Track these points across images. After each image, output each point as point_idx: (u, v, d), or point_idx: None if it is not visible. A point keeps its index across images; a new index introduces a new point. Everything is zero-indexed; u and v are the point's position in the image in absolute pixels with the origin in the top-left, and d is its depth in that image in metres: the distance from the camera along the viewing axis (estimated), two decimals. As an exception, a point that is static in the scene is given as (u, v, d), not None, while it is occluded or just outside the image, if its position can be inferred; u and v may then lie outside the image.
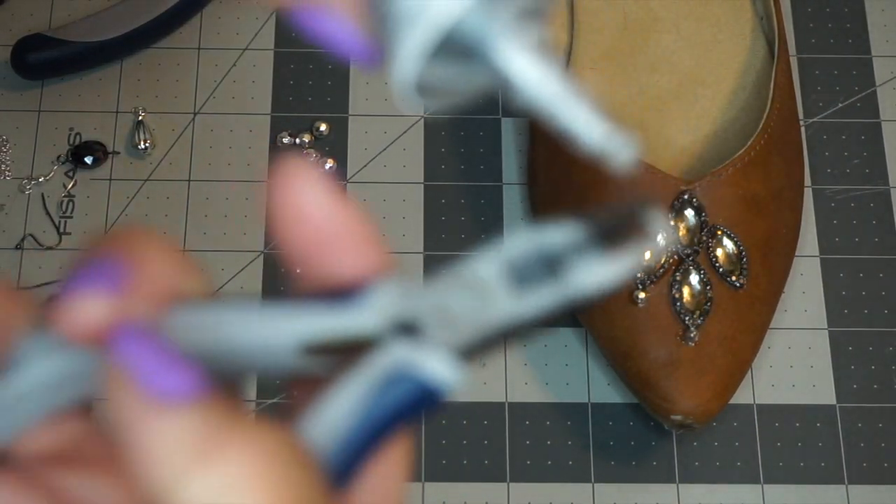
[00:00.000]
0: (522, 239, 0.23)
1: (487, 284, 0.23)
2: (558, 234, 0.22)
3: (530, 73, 0.22)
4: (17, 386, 0.26)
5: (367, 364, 0.24)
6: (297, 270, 0.25)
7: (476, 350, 0.24)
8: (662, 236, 0.23)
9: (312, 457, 0.24)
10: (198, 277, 0.25)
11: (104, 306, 0.23)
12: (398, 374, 0.24)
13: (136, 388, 0.22)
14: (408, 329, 0.24)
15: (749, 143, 0.61)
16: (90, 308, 0.23)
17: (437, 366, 0.24)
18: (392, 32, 0.23)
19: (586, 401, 0.62)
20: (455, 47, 0.23)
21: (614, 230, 0.23)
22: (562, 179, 0.62)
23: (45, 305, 0.25)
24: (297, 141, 0.68)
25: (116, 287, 0.24)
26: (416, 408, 0.24)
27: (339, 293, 0.24)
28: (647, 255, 0.23)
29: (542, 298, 0.22)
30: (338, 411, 0.24)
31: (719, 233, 0.60)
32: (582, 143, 0.23)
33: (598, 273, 0.22)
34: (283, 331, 0.24)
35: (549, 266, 0.22)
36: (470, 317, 0.23)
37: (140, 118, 0.68)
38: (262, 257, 0.65)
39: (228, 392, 0.24)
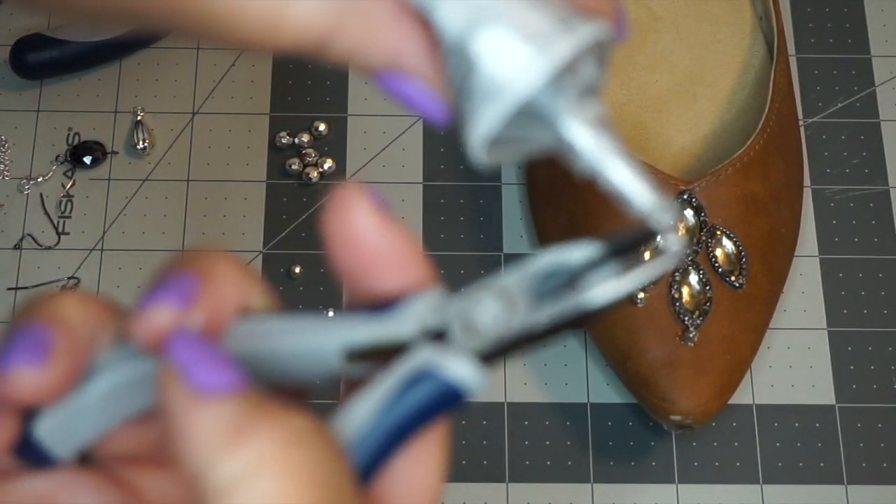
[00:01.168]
0: (546, 255, 0.26)
1: (511, 296, 0.26)
2: (578, 251, 0.26)
3: (589, 142, 0.27)
4: (97, 390, 0.28)
5: (395, 366, 0.26)
6: (347, 286, 0.28)
7: (496, 355, 0.26)
8: (677, 251, 0.26)
9: (339, 443, 0.25)
10: (264, 294, 0.28)
11: (172, 316, 0.26)
12: (422, 374, 0.26)
13: (181, 382, 0.25)
14: (437, 335, 0.26)
15: (748, 143, 0.61)
16: (159, 318, 0.26)
17: (458, 368, 0.26)
18: (471, 102, 0.27)
19: (585, 401, 0.62)
20: (526, 116, 0.27)
21: (630, 247, 0.26)
22: (560, 179, 0.62)
23: (123, 316, 0.28)
24: (296, 141, 0.68)
25: (186, 300, 0.26)
26: (437, 406, 0.26)
27: (381, 305, 0.27)
28: (660, 271, 0.26)
29: (559, 310, 0.25)
30: (364, 407, 0.26)
31: (719, 233, 0.60)
32: (630, 204, 0.26)
33: (611, 288, 0.25)
34: (327, 338, 0.27)
35: (568, 280, 0.25)
36: (493, 325, 0.26)
37: (139, 118, 0.68)
38: (261, 257, 0.65)
39: (295, 398, 0.27)
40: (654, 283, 0.59)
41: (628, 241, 0.26)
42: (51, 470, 0.28)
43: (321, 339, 0.27)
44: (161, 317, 0.26)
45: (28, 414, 0.28)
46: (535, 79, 0.26)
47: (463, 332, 0.26)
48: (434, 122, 0.29)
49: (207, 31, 0.27)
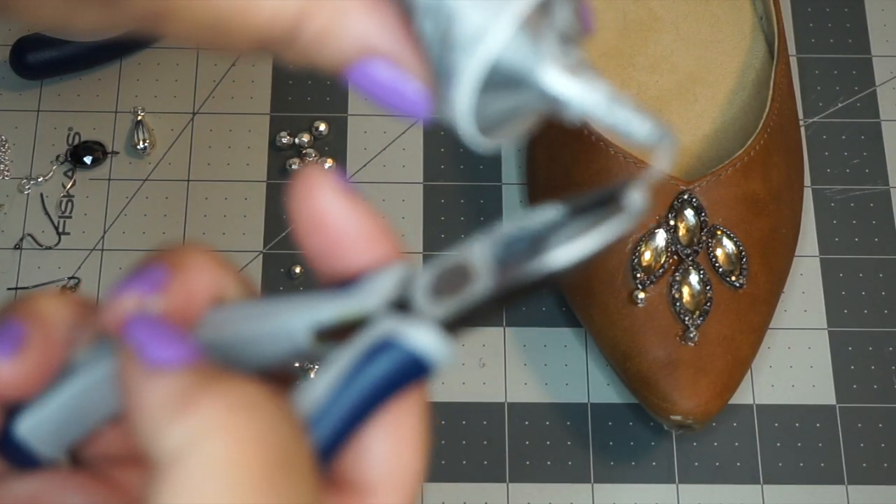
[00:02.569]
0: (510, 223, 0.26)
1: (474, 263, 0.25)
2: (540, 215, 0.25)
3: (574, 89, 0.25)
4: (76, 388, 0.28)
5: (356, 339, 0.26)
6: (315, 267, 0.28)
7: (460, 323, 0.26)
8: (638, 208, 0.25)
9: (294, 411, 0.25)
10: (241, 284, 0.28)
11: (137, 302, 0.27)
12: (382, 344, 0.25)
13: (135, 358, 0.25)
14: (401, 306, 0.26)
15: (749, 142, 0.61)
16: (125, 304, 0.27)
17: (420, 336, 0.25)
18: (452, 58, 0.25)
19: (586, 401, 0.62)
20: (505, 78, 0.26)
21: (592, 208, 0.25)
22: (561, 179, 0.62)
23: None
24: (297, 141, 0.68)
25: (153, 288, 0.27)
26: (400, 377, 0.26)
27: (347, 282, 0.27)
28: (621, 230, 0.25)
29: (521, 274, 0.25)
30: (325, 381, 0.26)
31: (719, 233, 0.59)
32: (632, 140, 0.25)
33: (572, 249, 0.25)
34: (295, 318, 0.27)
35: (531, 245, 0.25)
36: (457, 292, 0.25)
37: (139, 118, 0.68)
38: (261, 257, 0.65)
39: (281, 383, 0.27)
40: (654, 282, 0.59)
41: (591, 202, 0.25)
42: (37, 471, 0.28)
43: (290, 320, 0.27)
44: (127, 303, 0.27)
45: (9, 412, 0.28)
46: (516, 14, 0.25)
47: (426, 302, 0.26)
48: (414, 114, 0.28)
49: (179, 20, 0.27)
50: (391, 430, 0.27)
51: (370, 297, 0.26)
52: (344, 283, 0.27)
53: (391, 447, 0.27)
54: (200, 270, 0.28)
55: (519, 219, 0.26)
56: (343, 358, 0.26)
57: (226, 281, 0.28)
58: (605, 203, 0.25)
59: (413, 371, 0.26)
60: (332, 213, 0.27)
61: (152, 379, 0.25)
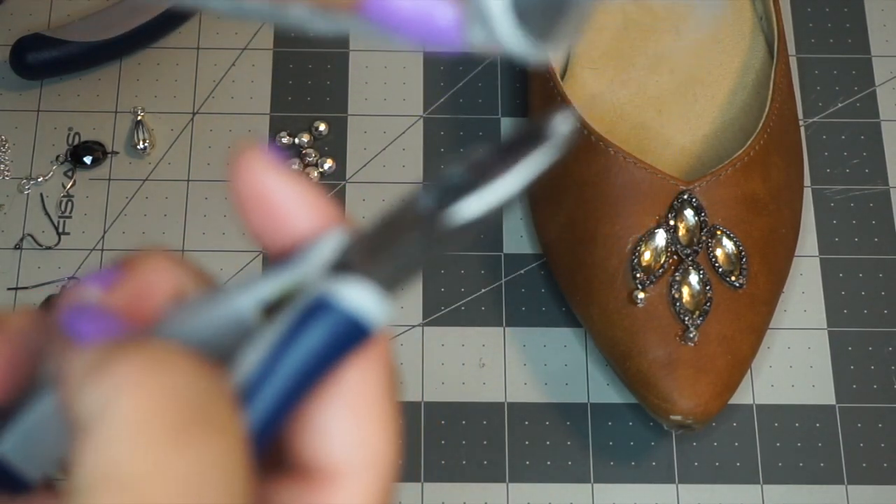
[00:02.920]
0: (441, 175, 0.25)
1: (407, 217, 0.25)
2: (472, 155, 0.25)
3: None
4: (51, 402, 0.27)
5: (291, 305, 0.25)
6: (263, 246, 0.27)
7: (394, 280, 0.25)
8: (562, 134, 0.25)
9: (217, 374, 0.25)
10: (202, 282, 0.28)
11: (79, 295, 0.27)
12: (317, 306, 0.25)
13: (64, 335, 0.26)
14: (338, 269, 0.25)
15: (748, 142, 0.61)
16: (71, 300, 0.27)
17: (354, 293, 0.25)
18: None
19: (586, 401, 0.62)
20: None
21: (520, 144, 0.25)
22: (561, 179, 0.62)
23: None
24: (297, 141, 0.68)
25: (103, 286, 0.27)
26: (338, 339, 0.25)
27: (290, 254, 0.26)
28: (547, 160, 0.25)
29: (456, 217, 0.25)
30: (258, 350, 0.25)
31: (719, 233, 0.60)
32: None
33: (503, 185, 0.25)
34: (243, 300, 0.26)
35: (461, 189, 0.25)
36: (391, 248, 0.25)
37: (139, 118, 0.68)
38: (260, 257, 0.65)
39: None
40: (654, 282, 0.59)
41: (518, 140, 0.25)
42: (27, 494, 0.27)
43: (238, 303, 0.26)
44: (70, 297, 0.27)
45: None
46: None
47: (361, 261, 0.25)
48: (445, 41, 0.26)
49: None
50: (349, 406, 0.26)
51: (309, 265, 0.26)
52: (287, 256, 0.27)
53: (351, 425, 0.26)
54: (156, 270, 0.27)
55: (451, 166, 0.25)
56: (276, 325, 0.25)
57: (186, 280, 0.28)
58: (532, 138, 0.25)
59: (350, 332, 0.25)
60: (267, 185, 0.27)
61: (74, 351, 0.25)
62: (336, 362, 0.25)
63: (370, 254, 0.25)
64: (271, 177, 0.27)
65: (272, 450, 0.26)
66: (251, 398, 0.25)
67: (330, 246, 0.26)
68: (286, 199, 0.27)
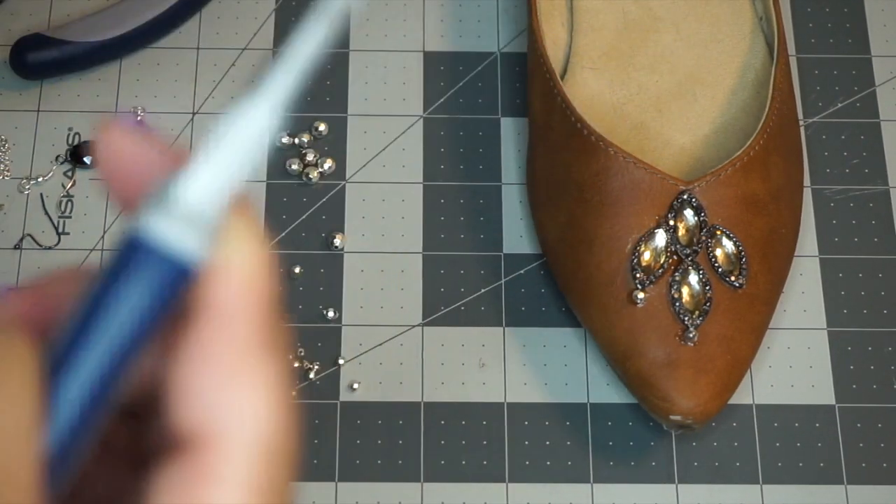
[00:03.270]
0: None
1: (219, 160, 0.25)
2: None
3: None
4: None
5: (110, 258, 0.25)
6: (124, 211, 0.27)
7: (207, 212, 0.25)
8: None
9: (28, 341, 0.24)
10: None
11: None
12: (130, 247, 0.24)
13: None
14: (163, 213, 0.25)
15: (748, 142, 0.61)
16: None
17: (167, 228, 0.24)
18: None
19: (585, 401, 0.62)
20: None
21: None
22: (561, 179, 0.62)
23: None
24: (296, 141, 0.68)
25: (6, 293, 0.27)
26: (157, 280, 0.24)
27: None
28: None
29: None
30: (79, 303, 0.24)
31: (718, 233, 0.59)
32: None
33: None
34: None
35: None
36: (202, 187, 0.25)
37: (139, 118, 0.68)
38: (261, 257, 0.65)
39: None
40: (654, 282, 0.59)
41: None
42: None
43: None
44: None
45: None
46: None
47: (175, 202, 0.25)
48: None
49: None
50: (207, 364, 0.25)
51: (143, 215, 0.25)
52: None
53: (212, 384, 0.25)
54: (58, 283, 0.27)
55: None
56: (95, 275, 0.24)
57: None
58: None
59: (166, 269, 0.24)
60: (122, 147, 0.26)
61: None
62: (162, 308, 0.24)
63: (195, 193, 0.25)
64: (126, 138, 0.26)
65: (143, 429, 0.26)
66: (74, 350, 0.24)
67: (159, 195, 0.25)
68: (138, 161, 0.26)
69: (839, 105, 0.69)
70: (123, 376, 0.24)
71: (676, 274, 0.59)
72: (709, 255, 0.59)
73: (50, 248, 0.65)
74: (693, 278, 0.59)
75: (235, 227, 0.26)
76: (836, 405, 0.63)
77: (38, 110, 0.68)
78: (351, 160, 0.68)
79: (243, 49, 0.70)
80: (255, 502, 0.25)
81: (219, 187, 0.25)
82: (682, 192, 0.60)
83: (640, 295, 0.59)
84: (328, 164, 0.67)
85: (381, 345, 0.63)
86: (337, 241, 0.65)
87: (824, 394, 0.63)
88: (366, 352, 0.63)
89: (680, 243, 0.59)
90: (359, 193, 0.67)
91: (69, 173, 0.67)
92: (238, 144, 0.26)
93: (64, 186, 0.67)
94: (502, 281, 0.65)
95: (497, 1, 0.72)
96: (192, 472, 0.24)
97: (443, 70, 0.70)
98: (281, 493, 0.25)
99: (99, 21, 0.68)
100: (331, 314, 0.64)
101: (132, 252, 0.24)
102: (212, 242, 0.25)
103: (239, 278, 0.26)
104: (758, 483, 0.61)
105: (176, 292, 0.25)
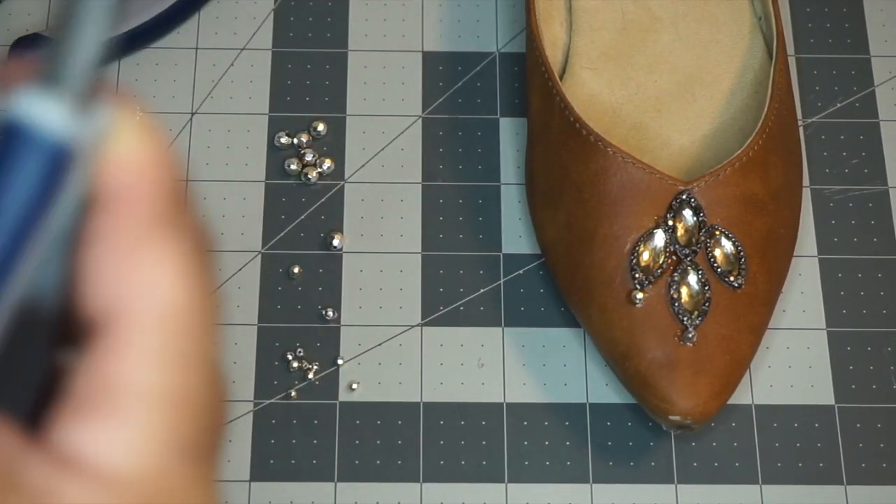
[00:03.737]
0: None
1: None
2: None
3: None
4: None
5: None
6: None
7: (82, 90, 0.24)
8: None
9: None
10: None
11: None
12: (8, 129, 0.23)
13: None
14: (31, 91, 0.24)
15: (747, 142, 0.61)
16: None
17: (39, 107, 0.23)
18: None
19: (584, 401, 0.62)
20: None
21: None
22: (560, 179, 0.62)
23: None
24: (295, 141, 0.68)
25: None
26: (36, 159, 0.23)
27: None
28: None
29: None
30: None
31: (717, 233, 0.59)
32: None
33: None
34: None
35: None
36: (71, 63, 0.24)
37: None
38: (259, 257, 0.65)
39: None
40: (652, 282, 0.59)
41: None
42: None
43: None
44: None
45: None
46: None
47: (50, 80, 0.24)
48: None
49: None
50: (108, 246, 0.25)
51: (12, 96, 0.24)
52: None
53: (114, 265, 0.25)
54: None
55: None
56: None
57: None
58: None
59: (43, 150, 0.23)
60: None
61: None
62: (50, 192, 0.23)
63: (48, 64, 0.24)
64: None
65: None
66: None
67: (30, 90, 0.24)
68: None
69: (838, 105, 0.69)
70: (19, 263, 0.24)
71: (675, 274, 0.59)
72: (708, 255, 0.59)
73: None
74: (692, 278, 0.59)
75: (121, 119, 0.26)
76: (836, 405, 0.63)
77: (37, 110, 0.68)
78: (350, 160, 0.68)
79: (242, 49, 0.70)
80: (171, 371, 0.25)
81: (80, 62, 0.25)
82: (681, 193, 0.60)
83: (639, 295, 0.59)
84: (327, 164, 0.67)
85: (380, 345, 0.63)
86: (336, 242, 0.65)
87: (824, 394, 0.63)
88: (365, 352, 0.63)
89: (679, 243, 0.59)
90: (358, 193, 0.67)
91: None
92: (86, 20, 0.25)
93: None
94: (501, 281, 0.65)
95: (496, 1, 0.72)
96: (103, 349, 0.25)
97: (441, 70, 0.70)
98: (200, 360, 0.25)
99: (97, 21, 0.68)
100: (330, 314, 0.64)
101: (7, 136, 0.23)
102: (92, 127, 0.24)
103: (130, 164, 0.25)
104: (757, 483, 0.61)
105: (61, 171, 0.24)
